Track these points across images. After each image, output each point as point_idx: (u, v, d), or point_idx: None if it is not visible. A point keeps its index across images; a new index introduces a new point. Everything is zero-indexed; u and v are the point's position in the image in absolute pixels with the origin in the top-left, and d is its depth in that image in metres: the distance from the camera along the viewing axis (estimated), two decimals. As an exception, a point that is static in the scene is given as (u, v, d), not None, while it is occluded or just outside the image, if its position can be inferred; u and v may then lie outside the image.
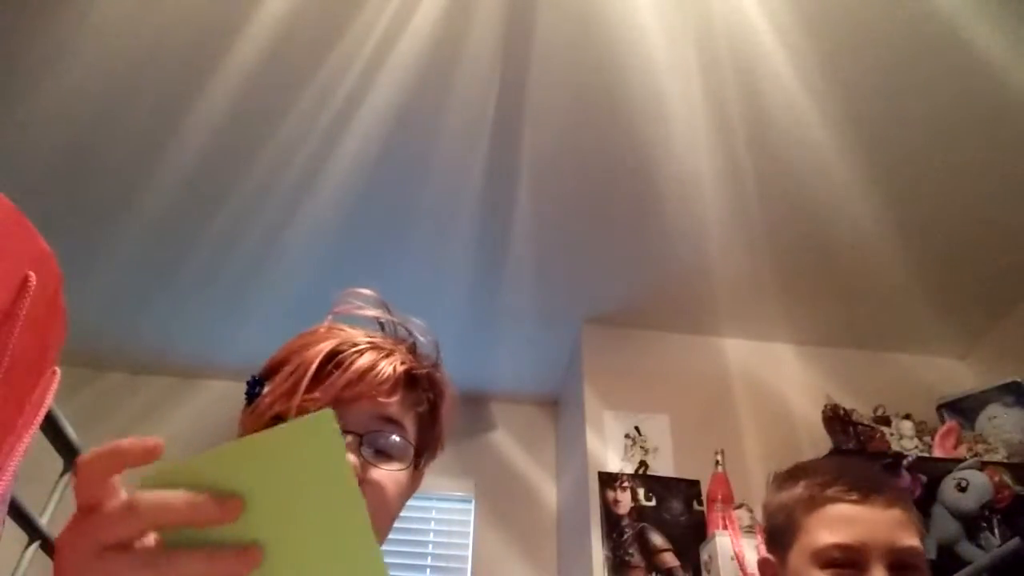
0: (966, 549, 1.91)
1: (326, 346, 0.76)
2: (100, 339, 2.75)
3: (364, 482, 0.72)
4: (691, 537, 2.22)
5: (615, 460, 2.41)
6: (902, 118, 2.03)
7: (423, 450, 0.82)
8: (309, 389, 0.73)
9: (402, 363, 0.79)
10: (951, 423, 2.37)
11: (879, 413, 2.43)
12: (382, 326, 0.86)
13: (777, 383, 2.64)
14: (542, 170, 2.23)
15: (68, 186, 2.24)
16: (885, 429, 2.37)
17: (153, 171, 2.20)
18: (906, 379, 2.64)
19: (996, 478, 2.02)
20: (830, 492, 1.06)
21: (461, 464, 2.90)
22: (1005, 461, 2.19)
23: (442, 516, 2.85)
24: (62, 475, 1.20)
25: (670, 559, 2.18)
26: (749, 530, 2.08)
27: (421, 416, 0.81)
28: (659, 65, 1.94)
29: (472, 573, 2.68)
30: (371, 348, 0.78)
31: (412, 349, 0.84)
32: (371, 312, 0.85)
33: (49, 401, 0.66)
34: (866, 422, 2.36)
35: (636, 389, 2.58)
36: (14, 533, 1.06)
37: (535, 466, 2.94)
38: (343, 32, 1.89)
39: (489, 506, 2.82)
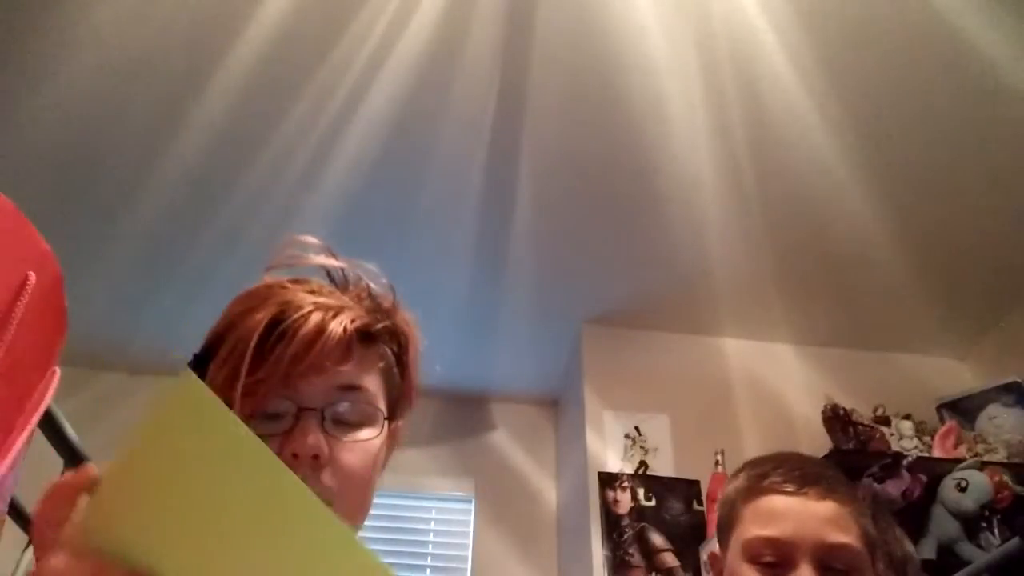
0: (966, 549, 1.91)
1: (265, 315, 0.69)
2: (100, 339, 2.75)
3: (332, 461, 0.67)
4: (691, 537, 2.22)
5: (615, 460, 2.41)
6: (902, 118, 2.03)
7: (394, 407, 0.76)
8: (252, 369, 0.67)
9: (353, 320, 0.71)
10: (951, 423, 2.37)
11: (879, 413, 2.43)
12: (329, 275, 0.79)
13: (777, 383, 2.64)
14: (542, 170, 2.23)
15: (68, 186, 2.24)
16: (885, 429, 2.37)
17: (153, 171, 2.20)
18: (906, 379, 2.64)
19: (996, 478, 2.02)
20: (765, 483, 1.01)
21: (461, 464, 2.90)
22: (1005, 461, 2.19)
23: (442, 516, 2.85)
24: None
25: (670, 559, 2.19)
26: (749, 530, 2.08)
27: (385, 371, 0.75)
28: (659, 65, 1.94)
29: (472, 573, 2.68)
30: (316, 309, 0.70)
31: (364, 296, 0.77)
32: (315, 260, 0.79)
33: (49, 400, 0.66)
34: (866, 422, 2.36)
35: (636, 389, 2.58)
36: (14, 533, 1.06)
37: (535, 466, 2.94)
38: (343, 32, 1.89)
39: (489, 506, 2.82)
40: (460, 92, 2.02)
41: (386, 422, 0.73)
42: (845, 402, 2.39)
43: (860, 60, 1.90)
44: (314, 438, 0.66)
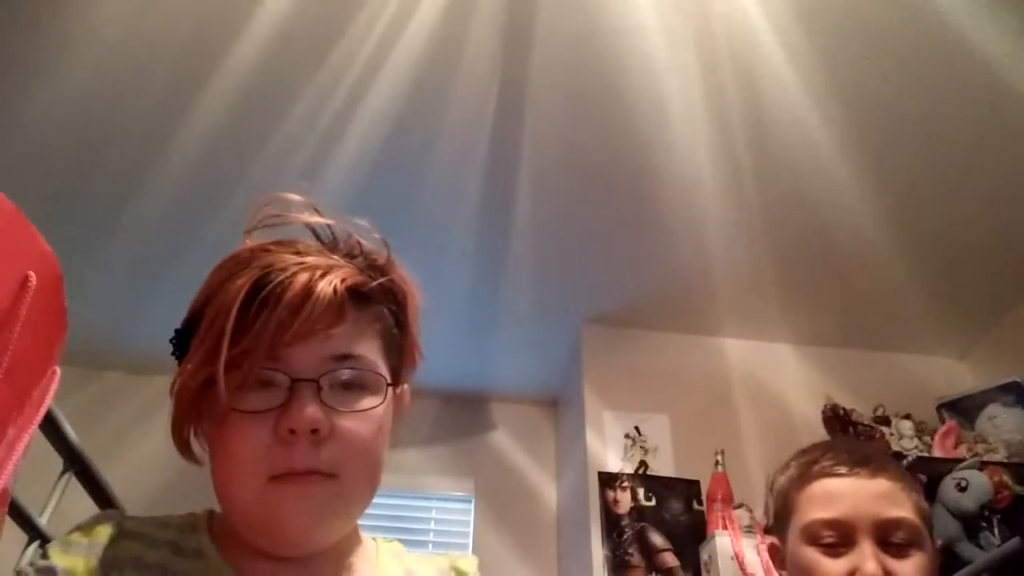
0: (966, 549, 1.91)
1: (247, 280, 0.63)
2: (100, 339, 2.75)
3: (333, 434, 0.63)
4: (691, 537, 2.22)
5: (615, 460, 2.41)
6: (902, 118, 2.03)
7: (397, 371, 0.71)
8: (236, 340, 0.61)
9: (343, 279, 0.65)
10: (951, 423, 2.37)
11: (879, 413, 2.43)
12: (316, 235, 0.73)
13: (777, 383, 2.64)
14: (542, 170, 2.22)
15: (68, 186, 2.24)
16: (885, 429, 2.37)
17: (153, 171, 2.20)
18: (906, 379, 2.64)
19: (996, 478, 2.01)
20: (816, 468, 1.05)
21: (461, 464, 2.90)
22: (1005, 461, 2.19)
23: (442, 516, 2.85)
24: (61, 475, 1.20)
25: (670, 559, 2.18)
26: (749, 530, 2.08)
27: (384, 333, 0.70)
28: (659, 65, 1.94)
29: (472, 573, 2.68)
30: (302, 270, 0.64)
31: (356, 254, 0.72)
32: (298, 218, 0.72)
33: (49, 401, 0.66)
34: (866, 422, 2.36)
35: (636, 389, 2.58)
36: (14, 533, 1.06)
37: (535, 466, 2.94)
38: (343, 32, 1.89)
39: (489, 506, 2.82)
40: (460, 92, 2.02)
41: (389, 388, 0.68)
42: (845, 402, 2.40)
43: (860, 60, 1.90)
44: (312, 410, 0.61)
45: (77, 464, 1.21)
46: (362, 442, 0.64)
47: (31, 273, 0.59)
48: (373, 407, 0.66)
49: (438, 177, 2.25)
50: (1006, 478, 2.05)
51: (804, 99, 1.99)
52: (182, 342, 0.68)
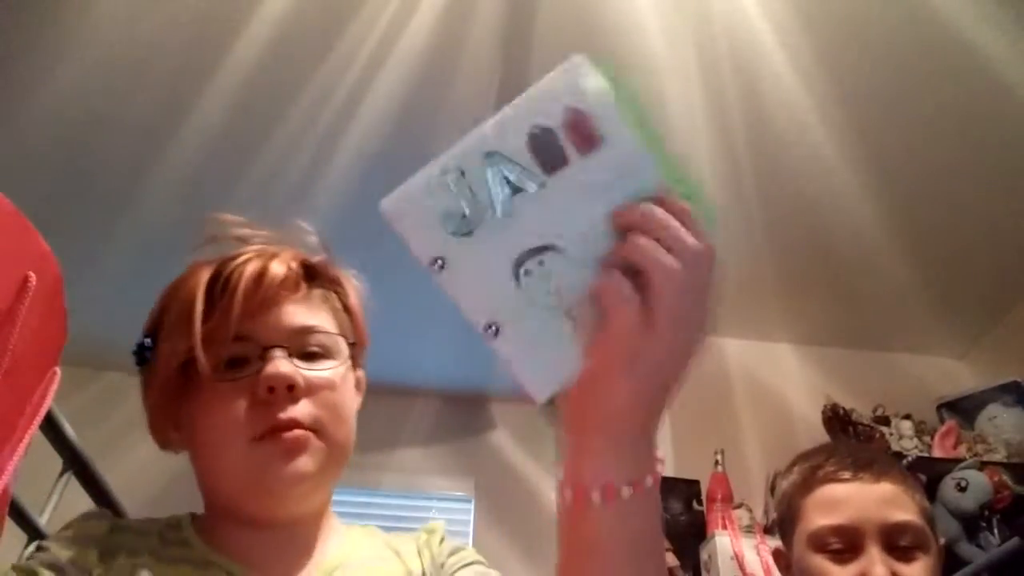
0: (966, 549, 1.91)
1: (205, 274, 0.70)
2: (100, 339, 2.75)
3: (309, 390, 0.68)
4: (691, 537, 2.22)
5: (615, 460, 2.40)
6: (902, 118, 2.03)
7: (353, 344, 0.77)
8: (205, 319, 0.67)
9: (294, 258, 0.73)
10: (950, 423, 2.37)
11: (879, 413, 2.43)
12: (259, 240, 0.78)
13: (777, 383, 2.64)
14: (542, 170, 2.22)
15: (68, 186, 2.24)
16: (885, 429, 2.37)
17: (153, 171, 2.20)
18: (906, 379, 2.64)
19: (996, 478, 2.02)
20: (821, 473, 1.05)
21: (460, 464, 2.90)
22: (1005, 461, 2.19)
23: (441, 516, 2.84)
24: (61, 475, 1.21)
25: (670, 559, 2.18)
26: (749, 530, 2.08)
27: (334, 311, 0.76)
28: (659, 65, 1.94)
29: (472, 573, 2.68)
30: (255, 256, 0.71)
31: (300, 244, 0.79)
32: (238, 233, 0.78)
33: (49, 401, 0.66)
34: (866, 422, 2.36)
35: (636, 389, 2.58)
36: (14, 533, 1.06)
37: (535, 466, 2.93)
38: (343, 31, 1.89)
39: (489, 506, 2.82)
40: (460, 91, 2.02)
41: (351, 350, 0.74)
42: (845, 402, 2.39)
43: (860, 60, 1.90)
44: (287, 366, 0.67)
45: (77, 464, 1.21)
46: (337, 397, 0.70)
47: (31, 273, 0.59)
48: (337, 367, 0.72)
49: (438, 177, 2.25)
50: (1006, 478, 2.05)
51: (804, 99, 1.99)
52: (144, 350, 0.74)
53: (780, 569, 1.12)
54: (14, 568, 0.65)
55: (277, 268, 0.70)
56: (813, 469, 1.06)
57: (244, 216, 0.79)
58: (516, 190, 0.43)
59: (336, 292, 0.78)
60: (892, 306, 2.61)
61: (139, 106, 2.04)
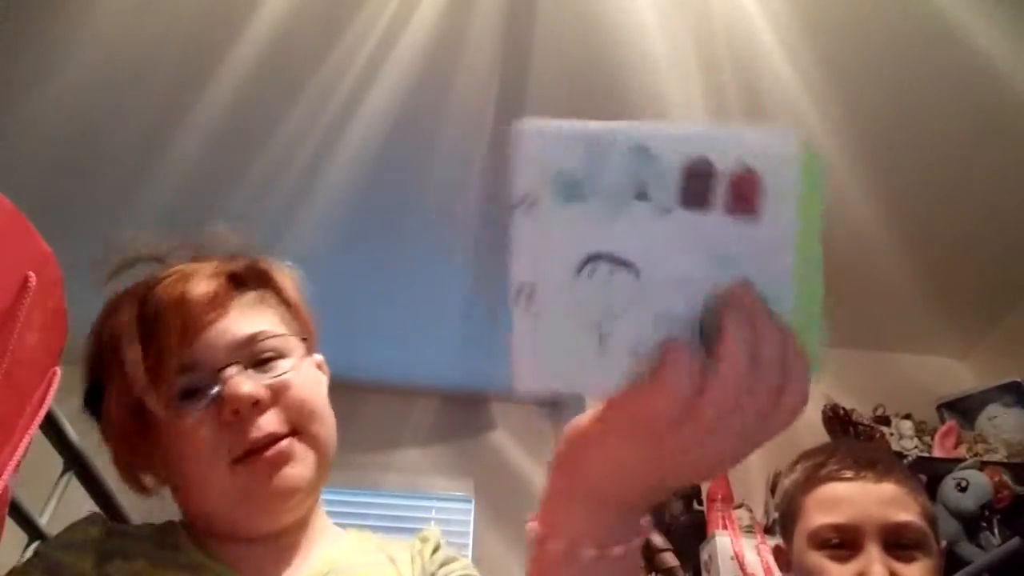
0: (966, 549, 1.91)
1: (128, 311, 0.68)
2: (100, 339, 2.75)
3: (275, 399, 0.66)
4: (691, 537, 2.22)
5: (615, 460, 2.40)
6: (902, 118, 2.03)
7: (303, 336, 0.75)
8: (145, 358, 0.65)
9: (215, 273, 0.70)
10: (951, 423, 2.37)
11: (879, 413, 2.43)
12: (176, 257, 0.75)
13: (777, 383, 2.63)
14: (542, 170, 2.22)
15: (68, 186, 2.24)
16: (885, 429, 2.37)
17: (153, 170, 2.20)
18: (906, 379, 2.64)
19: (996, 478, 2.02)
20: (823, 472, 1.05)
21: (460, 464, 2.90)
22: (1005, 461, 2.19)
23: (441, 516, 2.85)
24: (62, 475, 1.20)
25: (670, 559, 2.18)
26: (749, 530, 2.08)
27: (274, 308, 0.74)
28: (659, 64, 1.94)
29: (472, 573, 2.68)
30: (174, 280, 0.69)
31: (220, 255, 0.75)
32: (156, 251, 0.75)
33: (49, 401, 0.66)
34: (866, 422, 2.36)
35: (636, 389, 2.58)
36: (14, 533, 1.06)
37: (535, 466, 2.93)
38: (343, 31, 1.89)
39: (489, 506, 2.82)
40: (460, 91, 2.02)
41: (304, 345, 0.72)
42: (845, 402, 2.39)
43: (860, 60, 1.90)
44: (246, 384, 0.65)
45: (78, 464, 1.21)
46: (305, 392, 0.68)
47: (31, 273, 0.59)
48: (296, 363, 0.69)
49: (438, 177, 2.25)
50: (1006, 478, 2.05)
51: (804, 99, 1.99)
52: (95, 401, 0.71)
53: (780, 566, 1.12)
54: (12, 573, 0.65)
55: (198, 288, 0.68)
56: (816, 467, 1.06)
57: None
58: (640, 196, 0.40)
59: (271, 288, 0.75)
60: (892, 306, 2.61)
61: (140, 106, 2.04)
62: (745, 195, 0.38)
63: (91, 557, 0.65)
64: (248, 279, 0.74)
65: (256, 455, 0.64)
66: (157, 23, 1.87)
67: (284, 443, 0.65)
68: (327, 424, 0.70)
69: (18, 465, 0.61)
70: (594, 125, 0.41)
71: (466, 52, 1.93)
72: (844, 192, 2.22)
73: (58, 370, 0.69)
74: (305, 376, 0.70)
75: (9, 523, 0.96)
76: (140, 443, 0.68)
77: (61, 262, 0.68)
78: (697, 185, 0.39)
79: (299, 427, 0.67)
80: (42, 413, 0.65)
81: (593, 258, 0.39)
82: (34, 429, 0.63)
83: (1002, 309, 2.58)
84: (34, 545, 1.14)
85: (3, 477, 0.56)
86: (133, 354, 0.65)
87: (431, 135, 2.13)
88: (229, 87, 1.99)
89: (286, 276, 0.78)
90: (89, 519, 0.72)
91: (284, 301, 0.76)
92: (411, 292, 2.61)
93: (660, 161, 0.40)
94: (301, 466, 0.66)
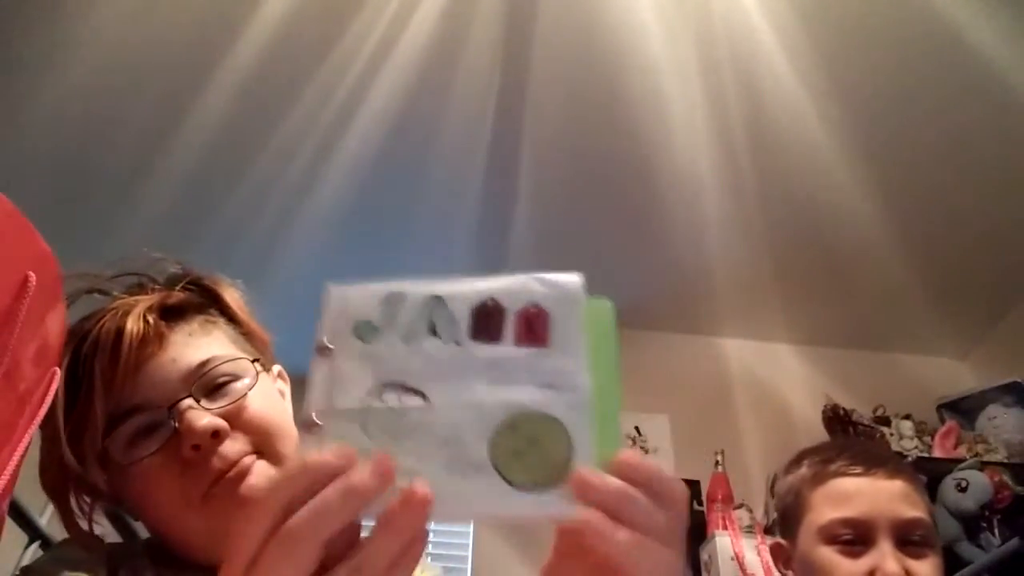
0: (966, 549, 1.91)
1: (63, 358, 0.63)
2: (100, 339, 2.75)
3: (235, 426, 0.63)
4: (691, 537, 2.22)
5: (615, 460, 2.40)
6: (902, 118, 2.03)
7: (258, 356, 0.71)
8: (75, 405, 0.62)
9: (148, 307, 0.66)
10: (951, 423, 2.37)
11: (879, 413, 2.43)
12: (105, 292, 0.72)
13: (777, 383, 2.64)
14: (542, 170, 2.22)
15: (68, 186, 2.24)
16: (885, 429, 2.37)
17: (153, 171, 2.20)
18: (906, 379, 2.64)
19: (996, 478, 2.02)
20: (833, 467, 1.04)
21: (461, 464, 2.89)
22: (1005, 461, 2.19)
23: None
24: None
25: (670, 559, 2.18)
26: (749, 530, 2.08)
27: (223, 330, 0.71)
28: (659, 65, 1.94)
29: (472, 573, 2.68)
30: (107, 320, 0.65)
31: (156, 284, 0.72)
32: (97, 284, 0.71)
33: (49, 401, 0.66)
34: (866, 422, 2.36)
35: (636, 389, 2.58)
36: (14, 533, 1.06)
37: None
38: (344, 31, 1.89)
39: (489, 506, 2.81)
40: (461, 91, 2.02)
41: (257, 366, 0.69)
42: (845, 402, 2.39)
43: (860, 60, 1.90)
44: (201, 417, 0.62)
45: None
46: (263, 412, 0.66)
47: (31, 273, 0.59)
48: (252, 385, 0.67)
49: (438, 177, 2.25)
50: (1006, 478, 2.05)
51: (804, 99, 1.99)
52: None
53: (778, 563, 1.11)
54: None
55: (132, 326, 0.64)
56: (824, 462, 1.06)
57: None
58: (433, 333, 0.42)
59: (217, 308, 0.72)
60: (892, 306, 2.61)
61: (139, 106, 2.04)
62: (535, 329, 0.42)
63: (104, 571, 0.64)
64: (189, 307, 0.70)
65: (223, 488, 0.62)
66: (156, 24, 1.87)
67: (245, 460, 0.63)
68: (290, 440, 0.67)
69: (18, 465, 0.60)
70: (394, 283, 0.44)
71: (466, 52, 1.93)
72: (844, 192, 2.23)
73: (58, 370, 0.68)
74: (263, 394, 0.68)
75: (9, 523, 0.96)
76: (96, 492, 0.66)
77: (61, 262, 0.68)
78: (487, 322, 0.42)
79: (262, 448, 0.65)
80: (42, 413, 0.65)
81: (385, 385, 0.41)
82: (34, 429, 0.63)
83: (1002, 309, 2.58)
84: (34, 545, 1.14)
85: (3, 477, 0.56)
86: (60, 408, 0.61)
87: (431, 135, 2.13)
88: (229, 87, 1.99)
89: (227, 291, 0.75)
90: (91, 537, 0.69)
91: (232, 319, 0.73)
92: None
93: (452, 304, 0.43)
94: (262, 477, 0.63)
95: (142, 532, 0.76)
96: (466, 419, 0.40)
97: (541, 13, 1.85)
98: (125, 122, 2.08)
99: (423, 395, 0.41)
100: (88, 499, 0.68)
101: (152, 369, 0.64)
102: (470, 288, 0.43)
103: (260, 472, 0.63)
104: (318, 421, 0.40)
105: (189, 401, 0.63)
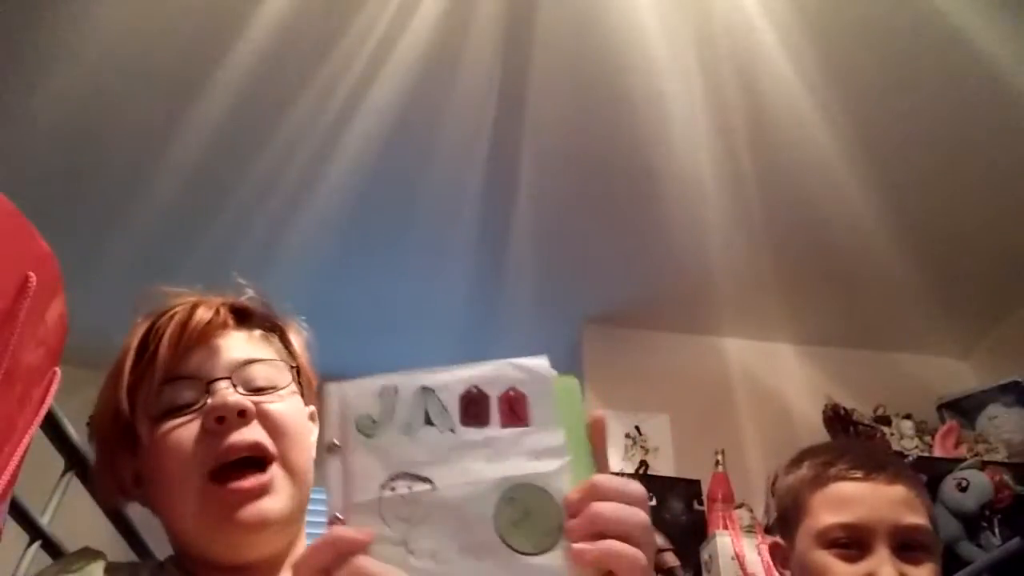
0: (966, 549, 1.91)
1: (141, 326, 0.73)
2: (100, 339, 2.75)
3: (260, 416, 0.67)
4: (691, 537, 2.22)
5: (615, 460, 2.41)
6: (902, 117, 2.03)
7: (299, 373, 0.76)
8: (134, 368, 0.69)
9: (222, 303, 0.74)
10: (951, 423, 2.37)
11: (879, 413, 2.43)
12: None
13: (777, 383, 2.64)
14: (542, 170, 2.22)
15: (68, 186, 2.24)
16: (885, 429, 2.37)
17: (154, 171, 2.20)
18: (906, 379, 2.64)
19: (996, 478, 2.01)
20: (833, 471, 1.03)
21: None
22: (1005, 461, 2.19)
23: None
24: (63, 475, 1.20)
25: (670, 559, 2.18)
26: (749, 530, 2.08)
27: (278, 351, 0.76)
28: (659, 65, 1.94)
29: None
30: (185, 307, 0.73)
31: (233, 293, 0.78)
32: (179, 290, 0.79)
33: (50, 401, 0.66)
34: (866, 422, 2.36)
35: (636, 389, 2.58)
36: (14, 533, 1.06)
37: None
38: (344, 31, 1.89)
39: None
40: (461, 91, 2.02)
41: (298, 382, 0.74)
42: (845, 402, 2.39)
43: (860, 60, 1.89)
44: (234, 395, 0.66)
45: (78, 464, 1.21)
46: (290, 419, 0.69)
47: (31, 274, 0.59)
48: (288, 394, 0.71)
49: (438, 177, 2.25)
50: (1006, 478, 2.05)
51: (804, 99, 1.99)
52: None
53: (776, 562, 1.11)
54: None
55: (203, 312, 0.71)
56: (825, 465, 1.05)
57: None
58: (428, 422, 0.48)
59: (278, 335, 0.77)
60: (892, 306, 2.61)
61: (139, 107, 2.04)
62: (516, 411, 0.49)
63: None
64: (255, 317, 0.76)
65: (233, 479, 0.64)
66: (156, 24, 1.87)
67: (266, 476, 0.65)
68: (306, 458, 0.70)
69: (19, 465, 0.61)
70: (385, 377, 0.49)
71: (466, 52, 1.93)
72: (844, 192, 2.23)
73: (58, 370, 0.69)
74: (294, 408, 0.71)
75: (10, 523, 0.96)
76: (126, 457, 0.69)
77: (61, 262, 0.68)
78: (475, 409, 0.49)
79: (280, 448, 0.67)
80: (42, 413, 0.65)
81: (393, 477, 0.46)
82: (34, 429, 0.63)
83: (1002, 309, 2.58)
84: (35, 545, 1.14)
85: (4, 477, 0.57)
86: (129, 361, 0.68)
87: (431, 136, 2.13)
88: (230, 87, 1.99)
89: (295, 329, 0.80)
90: (90, 554, 0.71)
91: (289, 351, 0.77)
92: (412, 293, 2.61)
93: (441, 395, 0.49)
94: (276, 499, 0.66)
95: (142, 531, 0.77)
96: (469, 496, 0.46)
97: (541, 13, 1.85)
98: (125, 122, 2.08)
99: (429, 480, 0.46)
100: (122, 463, 0.71)
101: (208, 349, 0.69)
102: (454, 378, 0.50)
103: (278, 491, 0.66)
104: (340, 517, 0.46)
105: (227, 383, 0.67)
